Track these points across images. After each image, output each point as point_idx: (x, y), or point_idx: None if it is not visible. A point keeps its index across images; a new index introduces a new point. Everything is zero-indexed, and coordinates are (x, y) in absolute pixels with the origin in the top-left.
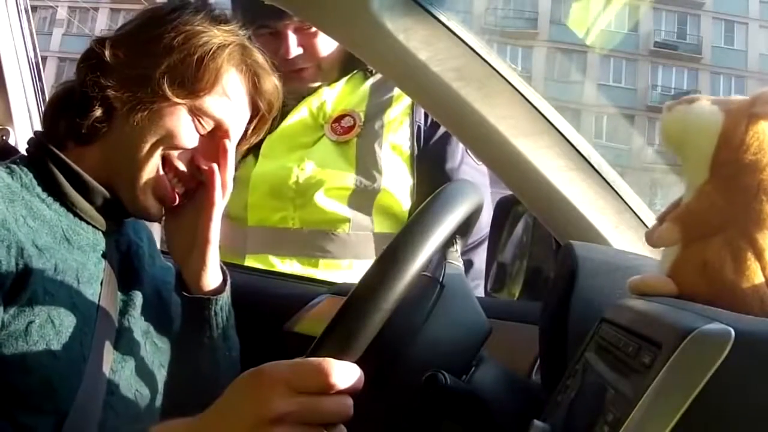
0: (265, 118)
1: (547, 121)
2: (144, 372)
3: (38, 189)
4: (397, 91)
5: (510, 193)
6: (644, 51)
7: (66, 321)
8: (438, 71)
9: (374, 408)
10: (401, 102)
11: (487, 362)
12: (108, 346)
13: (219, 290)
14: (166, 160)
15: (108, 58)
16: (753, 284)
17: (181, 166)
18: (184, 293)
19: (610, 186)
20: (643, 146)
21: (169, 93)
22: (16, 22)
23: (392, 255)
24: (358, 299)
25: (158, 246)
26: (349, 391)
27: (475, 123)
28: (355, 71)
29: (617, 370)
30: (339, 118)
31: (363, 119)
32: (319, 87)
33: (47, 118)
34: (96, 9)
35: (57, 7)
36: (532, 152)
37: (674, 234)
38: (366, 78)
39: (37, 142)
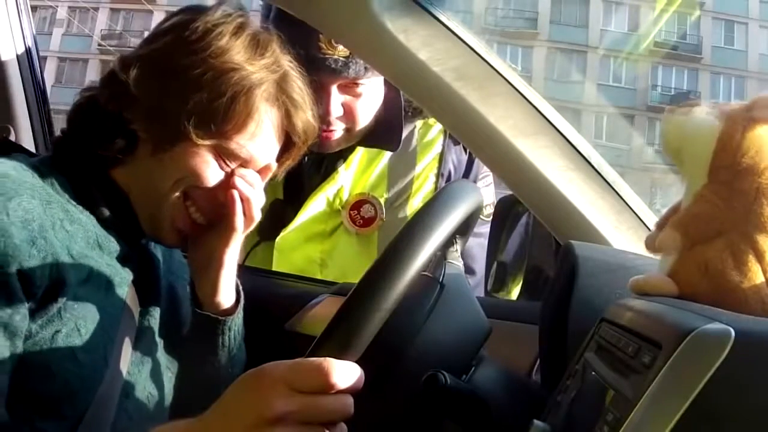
0: (299, 148)
1: (546, 121)
2: (157, 373)
3: (67, 195)
4: (419, 167)
5: (510, 193)
6: (644, 51)
7: (92, 327)
8: (438, 71)
9: (374, 408)
10: (424, 185)
11: (487, 362)
12: (127, 350)
13: (230, 311)
14: (188, 195)
15: (132, 89)
16: (754, 285)
17: (203, 201)
18: (197, 309)
19: (610, 186)
20: (643, 146)
21: (193, 135)
22: (16, 22)
23: (392, 255)
24: (358, 299)
25: None
26: (350, 391)
27: (475, 123)
28: (373, 146)
29: (617, 370)
30: (357, 205)
31: (384, 209)
32: (336, 160)
33: (73, 126)
34: (96, 9)
35: (57, 7)
36: (532, 152)
37: (675, 240)
38: (382, 150)
39: (68, 147)
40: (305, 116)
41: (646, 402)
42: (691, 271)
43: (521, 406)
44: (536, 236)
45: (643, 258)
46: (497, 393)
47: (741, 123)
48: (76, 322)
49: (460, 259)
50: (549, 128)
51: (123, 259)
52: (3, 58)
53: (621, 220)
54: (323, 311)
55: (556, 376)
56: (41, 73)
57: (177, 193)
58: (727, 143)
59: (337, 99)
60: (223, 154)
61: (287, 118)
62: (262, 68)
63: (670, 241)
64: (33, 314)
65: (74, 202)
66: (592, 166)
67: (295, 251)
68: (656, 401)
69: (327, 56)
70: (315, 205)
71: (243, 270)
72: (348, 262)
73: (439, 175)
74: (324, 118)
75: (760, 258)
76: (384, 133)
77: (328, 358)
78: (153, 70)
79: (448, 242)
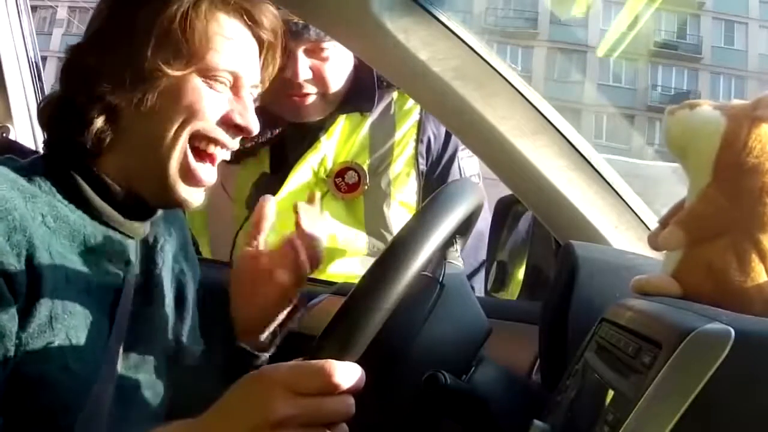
0: (273, 46)
1: (546, 121)
2: (152, 375)
3: (59, 196)
4: (399, 134)
5: (510, 193)
6: (644, 51)
7: (83, 336)
8: (438, 71)
9: (374, 408)
10: (405, 150)
11: (487, 362)
12: (120, 356)
13: (264, 348)
14: (196, 136)
15: (93, 63)
16: (757, 285)
17: (215, 132)
18: (234, 341)
19: (610, 186)
20: (643, 146)
21: (169, 70)
22: (16, 22)
23: (392, 255)
24: (358, 299)
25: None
26: (351, 391)
27: (475, 123)
28: (351, 111)
29: (617, 370)
30: (341, 173)
31: (367, 174)
32: (318, 130)
33: (48, 128)
34: None
35: (57, 7)
36: (532, 152)
37: (678, 237)
38: (363, 117)
39: (53, 149)
40: (264, 8)
41: (646, 402)
42: (695, 271)
43: (521, 406)
44: (536, 236)
45: (644, 258)
46: (497, 393)
47: (746, 121)
48: (67, 332)
49: (460, 259)
50: (549, 128)
51: (119, 258)
52: (3, 58)
53: (621, 220)
54: (323, 311)
55: (556, 376)
56: (41, 73)
57: (181, 142)
58: (733, 142)
59: (304, 63)
60: (208, 75)
61: (249, 18)
62: None
63: (673, 239)
64: (21, 318)
65: (64, 203)
66: (592, 166)
67: (284, 220)
68: (656, 401)
69: (287, 20)
70: (301, 175)
71: None
72: (336, 229)
73: (418, 140)
74: (293, 82)
75: (763, 258)
76: (358, 96)
77: (329, 360)
78: (104, 37)
79: (448, 242)
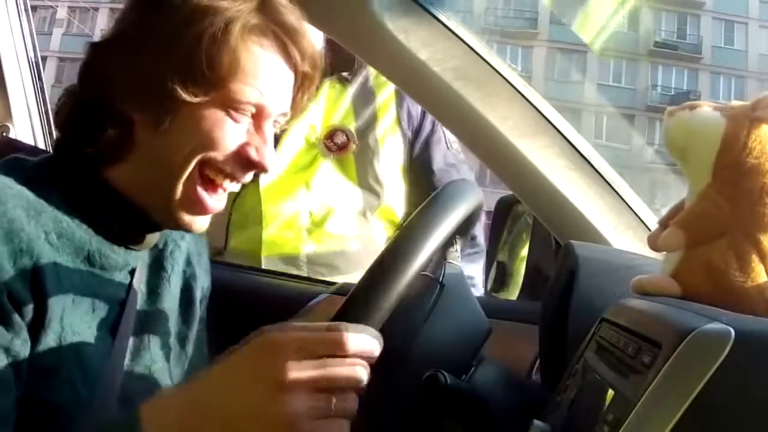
0: (311, 77)
1: (547, 121)
2: (158, 381)
3: (65, 208)
4: (380, 99)
5: (510, 193)
6: (644, 51)
7: (89, 354)
8: (438, 71)
9: (374, 407)
10: (387, 114)
11: (487, 362)
12: (123, 368)
13: None
14: (207, 164)
15: (111, 70)
16: (757, 285)
17: (226, 165)
18: None
19: (610, 186)
20: (643, 146)
21: (187, 96)
22: (16, 22)
23: (392, 254)
24: (357, 298)
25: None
26: (364, 357)
27: (475, 123)
28: (333, 76)
29: (617, 370)
30: (330, 135)
31: (355, 135)
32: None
33: (62, 130)
34: (96, 9)
35: (57, 7)
36: (532, 152)
37: (678, 238)
38: (344, 85)
39: (62, 153)
40: (304, 40)
41: (646, 402)
42: (695, 271)
43: (521, 406)
44: (536, 236)
45: (643, 258)
46: (497, 393)
47: (746, 122)
48: (75, 351)
49: (460, 260)
50: (549, 128)
51: (124, 270)
52: (3, 58)
53: (621, 220)
54: (323, 311)
55: (556, 376)
56: (41, 73)
57: (190, 170)
58: (732, 143)
59: None
60: (230, 107)
61: (285, 46)
62: (234, 2)
63: (673, 240)
64: (30, 342)
65: (69, 215)
66: (592, 166)
67: (280, 186)
68: (656, 401)
69: None
70: (292, 141)
71: (244, 270)
72: (331, 184)
73: (398, 105)
74: None
75: (763, 258)
76: (337, 63)
77: (339, 322)
78: (126, 44)
79: (448, 242)
